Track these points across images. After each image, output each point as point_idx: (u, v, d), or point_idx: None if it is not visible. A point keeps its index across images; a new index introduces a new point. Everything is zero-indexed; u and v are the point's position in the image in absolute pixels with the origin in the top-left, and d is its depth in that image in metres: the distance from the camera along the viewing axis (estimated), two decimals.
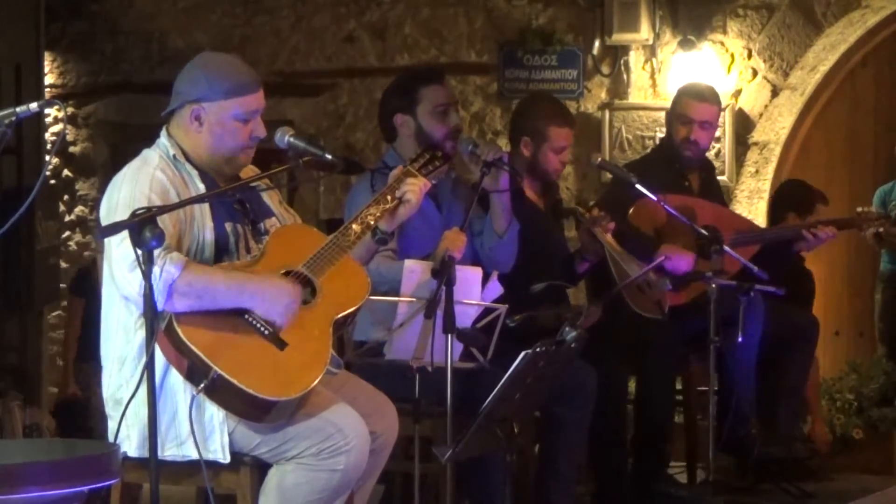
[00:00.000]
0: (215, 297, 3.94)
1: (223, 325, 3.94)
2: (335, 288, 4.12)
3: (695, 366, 6.24)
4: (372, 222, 4.28)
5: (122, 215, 3.83)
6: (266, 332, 3.97)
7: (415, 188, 4.37)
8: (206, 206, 4.13)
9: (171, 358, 3.95)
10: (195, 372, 3.89)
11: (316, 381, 3.97)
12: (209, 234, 4.12)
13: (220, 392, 3.90)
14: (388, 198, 4.36)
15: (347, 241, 4.20)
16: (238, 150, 4.19)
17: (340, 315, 4.12)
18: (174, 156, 4.17)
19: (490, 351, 4.72)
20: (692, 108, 6.20)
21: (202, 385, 3.88)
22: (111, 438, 4.01)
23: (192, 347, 3.88)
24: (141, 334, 3.97)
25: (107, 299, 4.17)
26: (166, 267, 3.86)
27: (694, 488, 6.12)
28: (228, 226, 4.16)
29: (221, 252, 4.13)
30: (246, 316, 3.98)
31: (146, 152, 4.21)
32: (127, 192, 4.05)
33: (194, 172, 4.18)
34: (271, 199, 4.40)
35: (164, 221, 3.93)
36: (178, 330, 3.89)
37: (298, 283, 4.05)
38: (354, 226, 4.24)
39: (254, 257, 4.14)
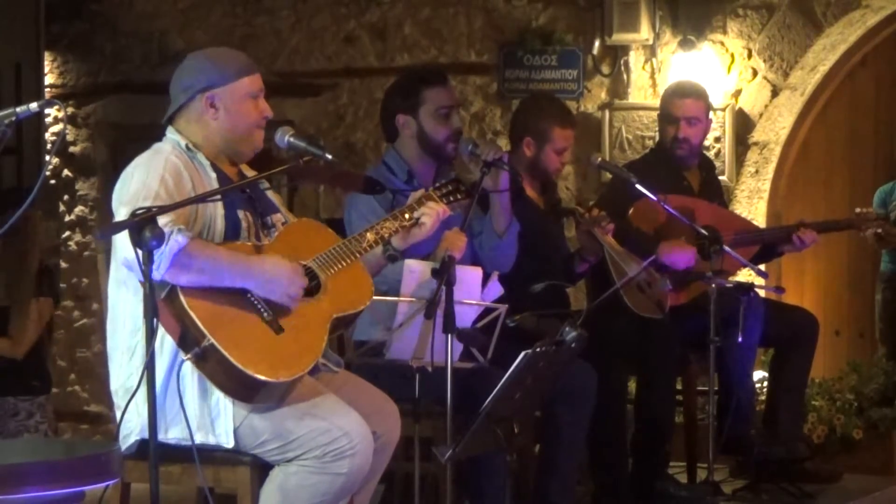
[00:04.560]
0: (216, 273, 3.95)
1: (225, 300, 3.97)
2: (340, 288, 4.14)
3: (695, 366, 6.24)
4: (386, 235, 4.35)
5: (134, 204, 3.84)
6: (265, 314, 4.00)
7: (433, 213, 4.42)
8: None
9: (167, 325, 3.95)
10: (188, 339, 3.92)
11: (305, 371, 4.00)
12: (220, 221, 4.15)
13: (210, 363, 3.91)
14: (406, 216, 4.43)
15: (359, 247, 4.24)
16: (254, 127, 4.25)
17: (340, 315, 4.14)
18: (187, 145, 4.20)
19: (490, 351, 4.72)
20: (675, 105, 6.23)
21: (193, 352, 3.89)
22: (117, 423, 4.04)
23: (192, 315, 3.90)
24: None
25: (113, 293, 4.19)
26: (173, 237, 3.86)
27: (694, 488, 6.11)
28: (240, 213, 4.20)
29: (232, 239, 4.15)
30: (248, 295, 4.01)
31: (157, 145, 4.24)
32: (140, 178, 4.07)
33: (206, 163, 4.21)
34: (274, 199, 4.43)
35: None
36: (182, 297, 3.91)
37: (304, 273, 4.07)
38: (369, 234, 4.30)
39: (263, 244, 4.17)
